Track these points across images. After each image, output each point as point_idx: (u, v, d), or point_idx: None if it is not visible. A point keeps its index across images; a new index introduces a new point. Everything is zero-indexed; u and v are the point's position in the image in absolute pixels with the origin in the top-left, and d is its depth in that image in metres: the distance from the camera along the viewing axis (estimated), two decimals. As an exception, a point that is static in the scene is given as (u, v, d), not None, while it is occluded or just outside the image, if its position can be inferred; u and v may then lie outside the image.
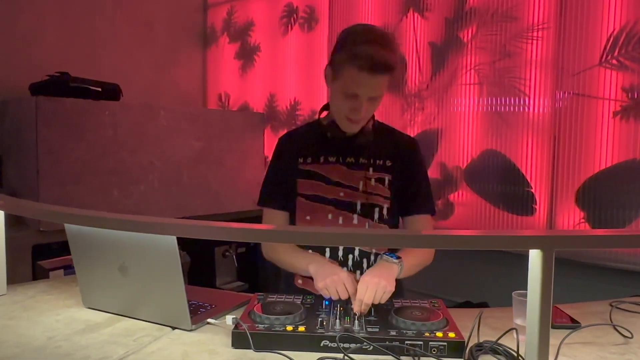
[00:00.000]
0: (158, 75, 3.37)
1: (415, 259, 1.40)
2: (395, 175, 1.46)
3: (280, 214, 1.50)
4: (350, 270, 1.44)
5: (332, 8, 2.98)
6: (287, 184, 1.48)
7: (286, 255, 1.46)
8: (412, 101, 2.64)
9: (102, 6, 3.06)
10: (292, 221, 1.49)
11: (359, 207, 1.44)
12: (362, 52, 1.27)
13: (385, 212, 1.44)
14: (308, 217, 1.46)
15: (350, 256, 1.44)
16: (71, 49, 2.90)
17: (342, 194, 1.44)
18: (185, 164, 2.81)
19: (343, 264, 1.44)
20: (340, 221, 1.44)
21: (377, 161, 1.46)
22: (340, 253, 1.44)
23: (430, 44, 2.57)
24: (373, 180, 1.44)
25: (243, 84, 3.51)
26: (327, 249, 1.44)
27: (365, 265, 1.45)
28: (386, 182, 1.45)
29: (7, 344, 1.10)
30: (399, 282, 1.48)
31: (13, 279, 1.48)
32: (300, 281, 1.49)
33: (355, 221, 1.44)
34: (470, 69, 2.43)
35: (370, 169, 1.45)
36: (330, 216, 1.44)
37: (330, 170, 1.46)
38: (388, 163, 1.46)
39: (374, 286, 1.20)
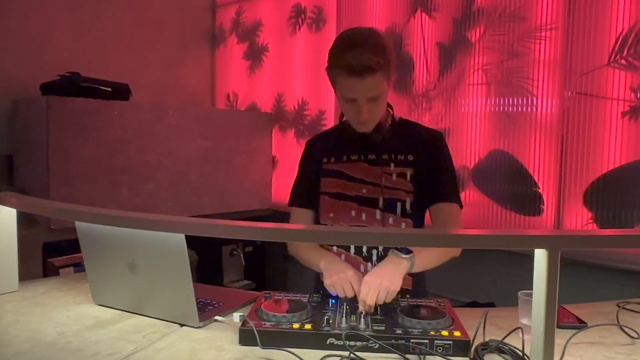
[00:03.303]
0: (167, 75, 3.39)
1: (432, 252, 1.39)
2: (418, 168, 1.46)
3: (306, 212, 1.55)
4: (376, 265, 1.44)
5: (339, 8, 2.98)
6: (312, 183, 1.53)
7: (305, 252, 1.49)
8: (419, 101, 2.64)
9: (111, 7, 3.09)
10: (317, 219, 1.52)
11: (381, 203, 1.45)
12: (343, 59, 1.31)
13: (408, 206, 1.44)
14: (332, 215, 1.48)
15: (375, 251, 1.45)
16: (81, 49, 2.94)
17: (364, 190, 1.46)
18: (193, 163, 2.83)
19: (367, 259, 1.45)
20: (364, 217, 1.45)
21: (399, 156, 1.47)
22: (365, 248, 1.46)
23: (438, 44, 2.57)
24: (395, 175, 1.45)
25: (251, 83, 3.52)
26: (352, 245, 1.45)
27: None
28: (408, 176, 1.45)
29: (19, 339, 1.12)
30: (422, 283, 1.50)
31: (23, 276, 1.50)
32: None
33: (378, 216, 1.45)
34: (478, 69, 2.43)
35: (392, 164, 1.46)
36: (353, 213, 1.46)
37: (352, 167, 1.48)
38: (410, 157, 1.46)
39: (376, 287, 1.20)
